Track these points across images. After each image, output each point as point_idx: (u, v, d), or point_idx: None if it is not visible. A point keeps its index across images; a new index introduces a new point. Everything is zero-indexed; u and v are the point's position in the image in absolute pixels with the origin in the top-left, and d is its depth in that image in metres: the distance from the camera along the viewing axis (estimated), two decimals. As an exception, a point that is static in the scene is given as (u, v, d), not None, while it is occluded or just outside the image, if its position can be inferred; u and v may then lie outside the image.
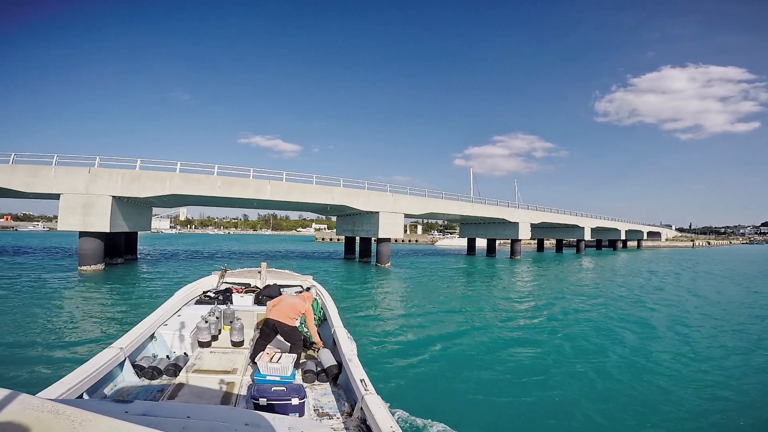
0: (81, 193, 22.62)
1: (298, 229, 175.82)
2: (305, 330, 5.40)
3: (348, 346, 4.55)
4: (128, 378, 4.13)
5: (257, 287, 7.40)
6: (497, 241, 48.65)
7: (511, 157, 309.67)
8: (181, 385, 4.03)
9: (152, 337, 5.02)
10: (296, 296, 5.31)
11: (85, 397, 3.35)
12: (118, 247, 27.01)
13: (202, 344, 5.15)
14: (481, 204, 38.20)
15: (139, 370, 4.25)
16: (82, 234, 22.98)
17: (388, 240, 29.78)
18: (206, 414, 2.10)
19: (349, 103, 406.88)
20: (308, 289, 7.48)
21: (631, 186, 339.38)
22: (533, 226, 47.07)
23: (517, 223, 42.79)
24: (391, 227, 29.32)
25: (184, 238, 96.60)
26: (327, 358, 4.63)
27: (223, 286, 7.44)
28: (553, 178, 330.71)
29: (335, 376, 4.39)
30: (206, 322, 5.20)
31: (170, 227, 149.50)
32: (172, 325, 5.36)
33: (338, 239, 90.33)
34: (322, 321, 6.20)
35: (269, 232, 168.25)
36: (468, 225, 49.56)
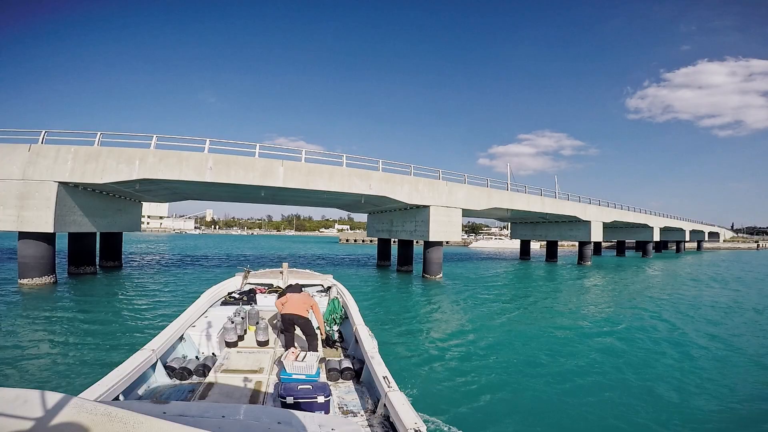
0: (16, 178, 15.58)
1: (320, 230, 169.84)
2: (327, 328, 5.65)
3: (370, 344, 4.39)
4: (160, 379, 4.10)
5: (279, 287, 7.31)
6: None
7: (539, 156, 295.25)
8: (210, 385, 3.94)
9: (181, 338, 4.93)
10: (300, 294, 5.37)
11: (121, 398, 3.26)
12: (86, 253, 20.04)
13: (229, 344, 5.05)
14: (551, 198, 29.59)
15: (170, 371, 4.22)
16: (22, 235, 16.00)
17: (440, 244, 21.73)
18: (240, 413, 2.15)
19: (372, 103, 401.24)
20: (329, 288, 7.35)
21: (666, 184, 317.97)
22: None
23: (589, 222, 33.95)
24: (445, 227, 21.24)
25: (206, 239, 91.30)
26: (349, 356, 4.85)
27: (247, 287, 7.31)
28: (582, 177, 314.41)
29: (358, 373, 4.30)
30: (232, 322, 5.13)
31: (195, 228, 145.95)
32: (200, 327, 5.33)
33: (365, 240, 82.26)
34: (344, 319, 6.01)
35: (292, 232, 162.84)
36: (522, 224, 40.80)
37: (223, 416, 2.01)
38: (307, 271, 8.43)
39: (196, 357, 4.76)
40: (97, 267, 22.05)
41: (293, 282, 7.47)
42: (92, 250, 20.38)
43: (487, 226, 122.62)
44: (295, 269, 8.26)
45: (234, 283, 7.50)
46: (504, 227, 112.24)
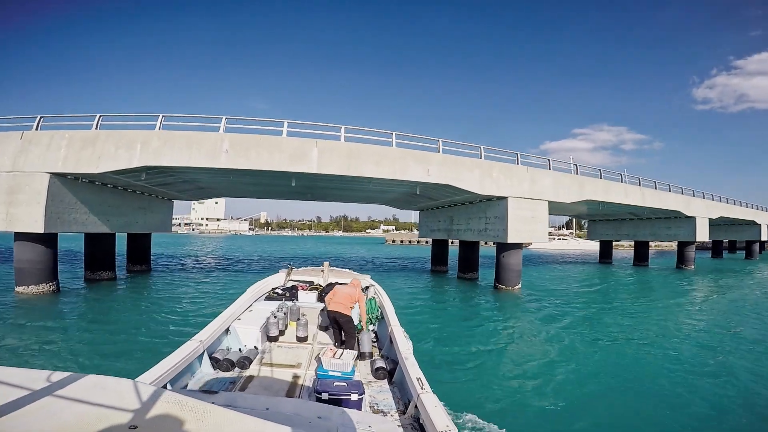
0: (6, 170, 12.69)
1: (367, 231, 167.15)
2: (361, 326, 5.41)
3: (404, 345, 4.26)
4: (205, 369, 4.07)
5: (320, 285, 7.33)
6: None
7: (596, 151, 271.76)
8: (251, 378, 3.99)
9: (227, 331, 4.94)
10: (347, 286, 5.41)
11: (169, 387, 3.23)
12: (103, 256, 17.16)
13: (270, 338, 5.10)
14: (651, 189, 23.06)
15: (215, 362, 4.19)
16: (17, 236, 13.17)
17: (519, 246, 16.45)
18: (283, 406, 2.25)
19: (419, 100, 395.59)
20: (367, 288, 7.12)
21: (744, 179, 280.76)
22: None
23: (693, 218, 26.78)
24: (527, 224, 15.98)
25: (258, 239, 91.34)
26: (383, 356, 4.63)
27: (290, 284, 7.35)
28: (645, 172, 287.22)
29: (391, 374, 4.17)
30: (275, 317, 5.19)
31: (249, 229, 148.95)
32: (244, 320, 5.26)
33: (411, 241, 76.49)
34: (380, 320, 5.84)
35: (340, 233, 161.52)
36: (604, 222, 33.80)
37: (267, 408, 2.06)
38: (347, 270, 8.40)
39: (239, 349, 4.61)
40: (120, 272, 19.32)
41: (333, 280, 7.43)
42: (110, 253, 17.45)
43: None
44: (335, 268, 8.24)
45: (278, 279, 7.48)
46: (562, 226, 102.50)
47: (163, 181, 15.71)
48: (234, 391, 3.58)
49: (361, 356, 4.49)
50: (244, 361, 4.24)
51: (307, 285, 7.24)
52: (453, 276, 22.21)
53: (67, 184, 13.34)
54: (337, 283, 6.85)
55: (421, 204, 22.04)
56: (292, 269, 7.87)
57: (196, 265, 25.56)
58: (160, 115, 13.04)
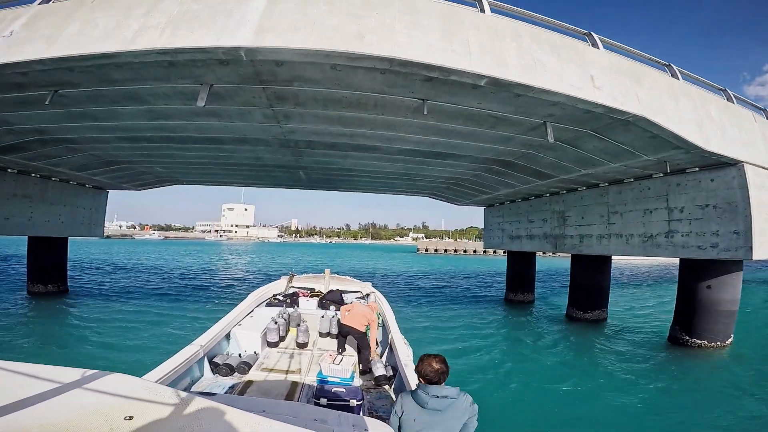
0: None
1: (395, 238, 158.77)
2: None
3: (404, 352, 4.14)
4: (205, 374, 4.02)
5: (321, 292, 7.17)
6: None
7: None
8: (250, 383, 3.89)
9: (227, 336, 4.86)
10: (365, 306, 5.24)
11: None
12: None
13: (270, 344, 5.04)
14: None
15: (214, 366, 4.12)
16: None
17: (740, 267, 7.92)
18: (280, 409, 2.17)
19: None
20: (368, 295, 7.13)
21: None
22: None
23: None
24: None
25: (285, 247, 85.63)
26: (383, 363, 4.48)
27: (291, 290, 7.23)
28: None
29: (391, 380, 4.12)
30: (275, 323, 5.15)
31: (278, 236, 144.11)
32: (245, 325, 5.16)
33: (447, 250, 66.48)
34: (380, 327, 5.74)
35: (369, 240, 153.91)
36: None
37: (263, 411, 1.92)
38: (348, 277, 8.14)
39: (239, 355, 4.50)
40: (14, 295, 12.32)
41: (334, 288, 7.23)
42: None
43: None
44: (336, 275, 7.93)
45: (279, 286, 7.30)
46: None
47: None
48: (232, 395, 3.46)
49: (369, 374, 4.26)
50: (244, 366, 4.16)
51: (308, 292, 6.92)
52: (546, 310, 13.87)
53: None
54: (338, 291, 6.82)
55: (499, 191, 13.52)
56: (293, 276, 7.63)
57: (148, 285, 17.88)
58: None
